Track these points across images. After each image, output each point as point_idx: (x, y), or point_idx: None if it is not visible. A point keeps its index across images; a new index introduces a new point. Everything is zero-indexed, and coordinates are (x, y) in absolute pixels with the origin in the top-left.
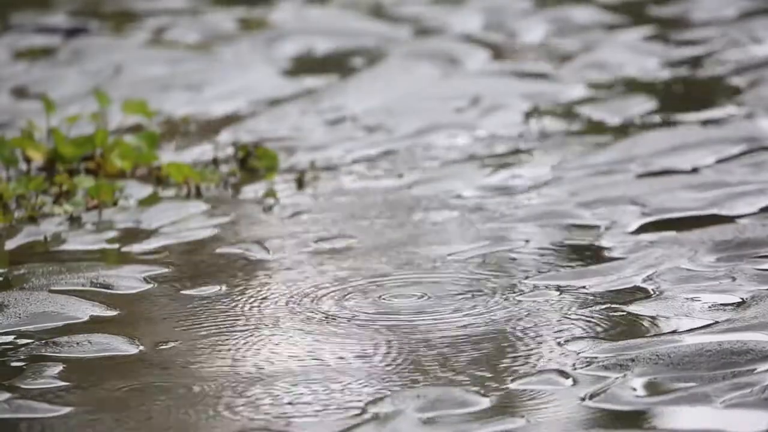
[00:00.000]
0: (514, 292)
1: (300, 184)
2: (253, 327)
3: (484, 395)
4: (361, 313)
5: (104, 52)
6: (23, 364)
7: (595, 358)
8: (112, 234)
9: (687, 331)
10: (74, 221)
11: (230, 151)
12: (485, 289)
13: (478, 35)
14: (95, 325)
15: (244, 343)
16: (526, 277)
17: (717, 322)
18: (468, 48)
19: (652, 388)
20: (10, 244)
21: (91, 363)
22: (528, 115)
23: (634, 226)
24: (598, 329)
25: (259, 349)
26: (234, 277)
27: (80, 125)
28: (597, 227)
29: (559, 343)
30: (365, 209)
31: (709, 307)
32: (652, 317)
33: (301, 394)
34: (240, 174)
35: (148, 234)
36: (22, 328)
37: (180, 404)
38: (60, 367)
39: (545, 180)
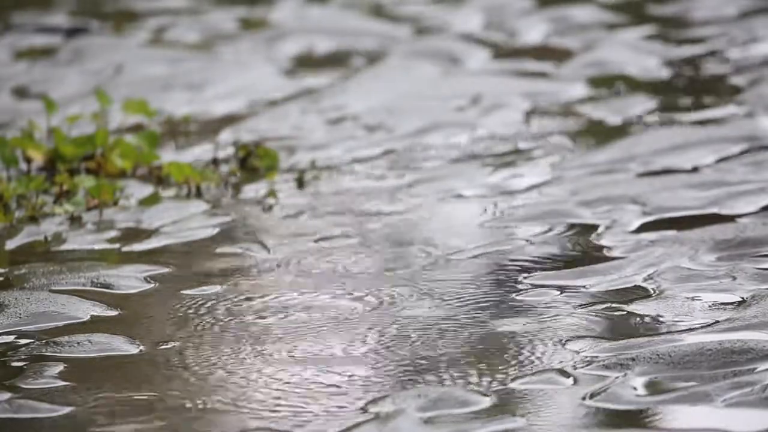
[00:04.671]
0: (515, 292)
1: (300, 183)
2: (253, 327)
3: (484, 395)
4: (363, 314)
5: (105, 51)
6: (24, 364)
7: (596, 357)
8: (112, 234)
9: (687, 330)
10: (75, 221)
11: (231, 150)
12: (486, 288)
13: (478, 34)
14: (96, 324)
15: (245, 343)
16: (527, 277)
17: (717, 321)
18: (468, 47)
19: (653, 388)
20: (11, 244)
21: (91, 363)
22: (528, 114)
23: (635, 225)
24: (599, 328)
25: (259, 349)
26: (234, 276)
27: (81, 125)
28: (597, 226)
29: (559, 343)
30: (366, 209)
31: (710, 306)
32: (653, 316)
33: (302, 393)
34: (240, 173)
35: (149, 234)
36: (23, 328)
37: (180, 404)
38: (61, 367)
39: (546, 179)
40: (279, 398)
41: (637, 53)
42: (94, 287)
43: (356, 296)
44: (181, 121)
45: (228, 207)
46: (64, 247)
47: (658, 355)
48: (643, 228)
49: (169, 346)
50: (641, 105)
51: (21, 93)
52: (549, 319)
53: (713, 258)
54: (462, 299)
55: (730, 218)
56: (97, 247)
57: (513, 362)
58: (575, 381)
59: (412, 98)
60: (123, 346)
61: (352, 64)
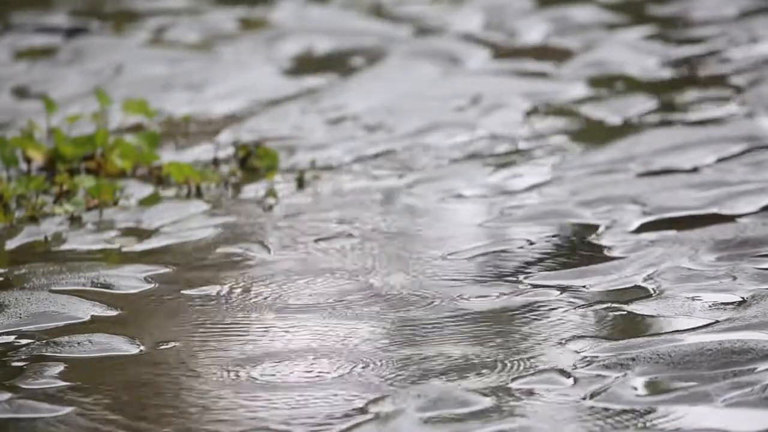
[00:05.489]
0: (515, 292)
1: (300, 183)
2: (253, 327)
3: (484, 395)
4: (363, 314)
5: (105, 51)
6: (24, 364)
7: (596, 357)
8: (112, 234)
9: (687, 330)
10: (75, 221)
11: (231, 150)
12: (485, 288)
13: (478, 34)
14: (96, 324)
15: (245, 343)
16: (526, 277)
17: (717, 321)
18: (468, 47)
19: (653, 388)
20: (11, 244)
21: (91, 363)
22: (528, 114)
23: (635, 225)
24: (599, 328)
25: (259, 349)
26: (234, 276)
27: (81, 125)
28: (597, 226)
29: (559, 343)
30: (365, 209)
31: (710, 306)
32: (653, 316)
33: (302, 393)
34: (240, 173)
35: (149, 234)
36: (23, 328)
37: (181, 404)
38: (61, 367)
39: (545, 179)
40: (280, 397)
41: (637, 53)
42: (94, 287)
43: (356, 296)
44: (181, 121)
45: (228, 207)
46: (64, 247)
47: (658, 355)
48: (643, 228)
49: (169, 346)
50: (641, 105)
51: (21, 93)
52: (549, 319)
53: (713, 258)
54: (462, 299)
55: (730, 218)
56: (97, 247)
57: (513, 362)
58: (575, 381)
59: (412, 98)
60: (123, 346)
61: (352, 64)
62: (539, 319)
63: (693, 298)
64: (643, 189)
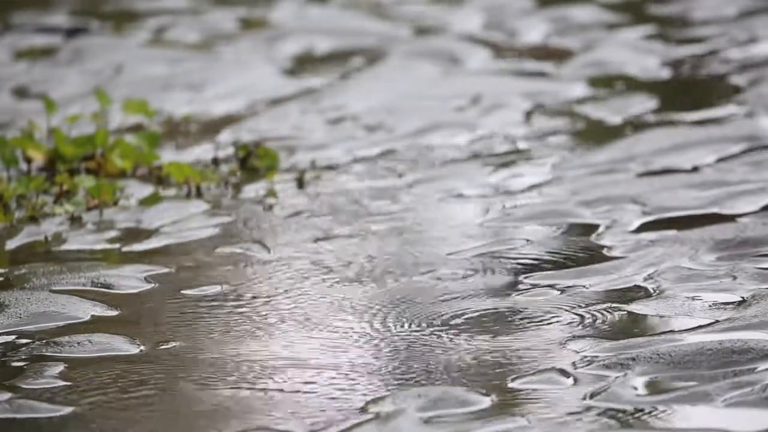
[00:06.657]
0: (515, 291)
1: (300, 183)
2: (253, 327)
3: (485, 394)
4: (363, 314)
5: (105, 51)
6: (24, 364)
7: (596, 357)
8: (112, 234)
9: (688, 330)
10: (75, 221)
11: (231, 150)
12: (485, 288)
13: (478, 34)
14: (96, 324)
15: (245, 343)
16: (527, 277)
17: (718, 321)
18: (468, 47)
19: (653, 387)
20: (11, 244)
21: (91, 363)
22: (528, 114)
23: (635, 225)
24: (599, 328)
25: (259, 350)
26: (234, 276)
27: (81, 125)
28: (597, 226)
29: (559, 342)
30: (365, 209)
31: (710, 305)
32: (653, 316)
33: (302, 393)
34: (240, 173)
35: (149, 234)
36: (23, 328)
37: (181, 404)
38: (61, 367)
39: (546, 179)
40: (279, 398)
41: (637, 53)
42: (94, 287)
43: (356, 296)
44: (181, 121)
45: (228, 207)
46: (64, 247)
47: (658, 354)
48: (643, 228)
49: (169, 346)
50: (641, 105)
51: (21, 93)
52: (549, 319)
53: (713, 258)
54: (462, 299)
55: (730, 218)
56: (97, 247)
57: (513, 362)
58: (575, 381)
59: (412, 98)
60: (123, 346)
61: (352, 64)
62: (539, 319)
63: (693, 298)
64: (643, 189)
